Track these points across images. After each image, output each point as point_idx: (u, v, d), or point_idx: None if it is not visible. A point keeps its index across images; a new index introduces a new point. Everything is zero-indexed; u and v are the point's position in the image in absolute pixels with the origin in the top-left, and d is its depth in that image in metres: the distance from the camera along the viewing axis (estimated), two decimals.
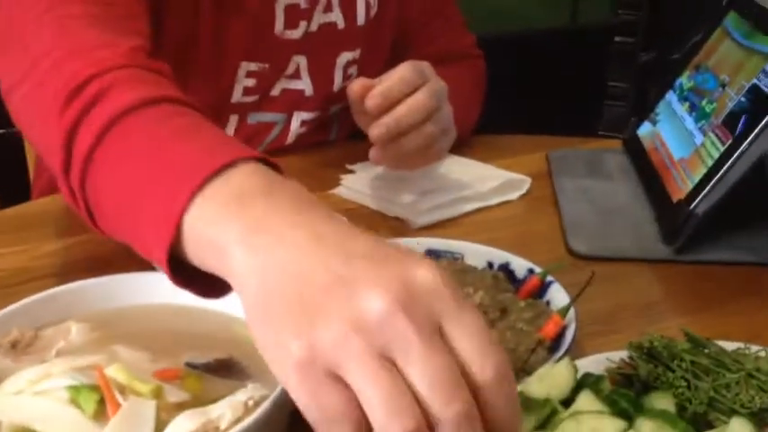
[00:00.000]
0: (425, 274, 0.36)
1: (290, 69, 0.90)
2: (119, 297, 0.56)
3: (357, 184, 0.87)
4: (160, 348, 0.52)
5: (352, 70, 0.94)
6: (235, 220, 0.40)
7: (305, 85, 0.91)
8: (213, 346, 0.52)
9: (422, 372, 0.34)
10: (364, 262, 0.36)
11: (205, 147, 0.46)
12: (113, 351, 0.51)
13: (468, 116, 0.97)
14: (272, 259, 0.38)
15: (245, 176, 0.43)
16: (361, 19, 0.91)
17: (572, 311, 0.58)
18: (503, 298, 0.60)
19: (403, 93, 0.76)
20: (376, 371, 0.34)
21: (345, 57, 0.92)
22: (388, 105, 0.75)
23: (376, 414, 0.34)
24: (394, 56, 0.96)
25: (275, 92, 0.90)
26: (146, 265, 0.64)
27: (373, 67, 0.94)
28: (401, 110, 0.75)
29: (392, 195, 0.83)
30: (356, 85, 0.77)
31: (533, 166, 0.93)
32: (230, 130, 0.89)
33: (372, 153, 0.79)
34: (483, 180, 0.86)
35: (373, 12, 0.93)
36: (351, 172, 0.90)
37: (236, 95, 0.88)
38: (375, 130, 0.76)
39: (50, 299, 0.54)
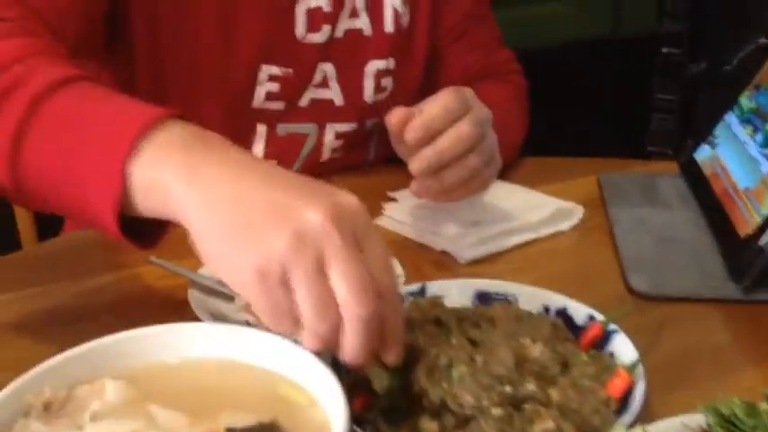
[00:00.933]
0: (350, 199, 0.48)
1: (318, 77, 0.87)
2: (155, 350, 0.53)
3: (400, 213, 0.83)
4: (199, 408, 0.49)
5: (386, 82, 0.91)
6: (177, 160, 0.48)
7: (334, 94, 0.88)
8: (256, 407, 0.49)
9: (344, 276, 0.44)
10: (297, 190, 0.47)
11: (134, 106, 0.53)
12: (150, 414, 0.48)
13: (512, 138, 0.93)
14: (217, 191, 0.47)
15: (178, 126, 0.50)
16: (389, 26, 0.89)
17: (640, 367, 0.53)
18: (563, 350, 0.55)
19: (445, 123, 0.72)
20: (312, 278, 0.44)
21: (375, 65, 0.89)
22: (430, 137, 0.72)
23: (306, 314, 0.45)
24: (429, 69, 0.93)
25: (304, 102, 0.88)
26: (182, 316, 0.61)
27: (408, 79, 0.92)
28: (443, 142, 0.71)
29: (436, 227, 0.79)
30: (395, 116, 0.73)
31: (583, 192, 0.88)
32: (260, 142, 0.87)
33: (413, 186, 0.75)
34: (532, 209, 0.82)
35: (404, 20, 0.90)
36: (393, 200, 0.87)
37: (258, 100, 0.85)
38: (416, 164, 0.72)
39: (84, 355, 0.51)
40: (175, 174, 0.48)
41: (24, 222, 1.00)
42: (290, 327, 0.47)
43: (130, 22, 0.79)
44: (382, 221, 0.83)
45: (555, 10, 1.87)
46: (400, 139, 0.73)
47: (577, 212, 0.83)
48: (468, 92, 0.75)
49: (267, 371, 0.51)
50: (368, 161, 0.98)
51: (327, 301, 0.45)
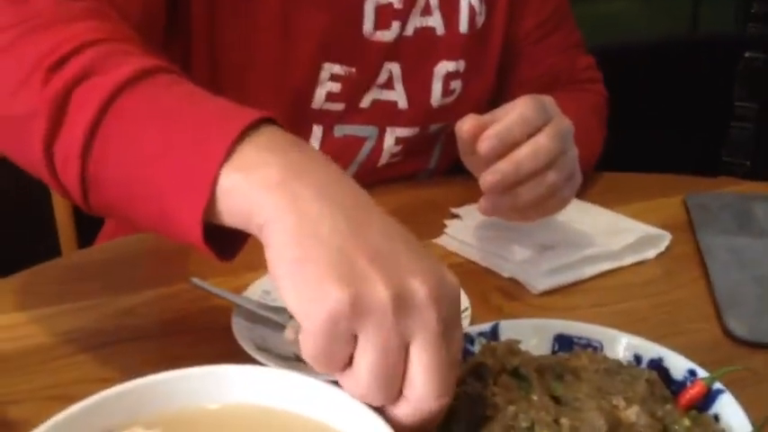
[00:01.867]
0: (454, 280, 0.41)
1: (382, 78, 0.80)
2: (193, 395, 0.47)
3: (463, 233, 0.76)
4: None
5: (455, 85, 0.83)
6: (274, 166, 0.42)
7: (398, 96, 0.81)
8: None
9: (427, 367, 0.39)
10: (403, 246, 0.40)
11: (220, 109, 0.47)
12: None
13: (591, 152, 0.85)
14: (314, 206, 0.40)
15: (271, 132, 0.44)
16: (463, 26, 0.82)
17: None
18: (662, 413, 0.47)
19: (523, 135, 0.64)
20: (390, 349, 0.39)
21: (445, 66, 0.82)
22: (505, 149, 0.64)
23: (365, 379, 0.39)
24: (502, 73, 0.86)
25: (365, 103, 0.81)
26: (225, 344, 0.55)
27: (479, 83, 0.84)
28: (520, 155, 0.63)
29: (505, 251, 0.72)
30: (467, 123, 0.65)
31: (668, 215, 0.80)
32: (314, 143, 0.80)
33: (483, 203, 0.67)
34: (614, 234, 0.73)
35: (480, 20, 0.82)
36: (456, 217, 0.79)
37: (318, 100, 0.79)
38: (489, 178, 0.64)
39: (118, 398, 0.45)
40: (275, 178, 0.41)
41: (64, 224, 0.96)
42: (334, 372, 0.41)
43: (191, 4, 0.73)
44: (443, 241, 0.76)
45: (626, 6, 1.77)
46: (470, 150, 0.65)
47: (664, 240, 0.74)
48: (548, 100, 0.68)
49: (316, 422, 0.45)
50: (429, 170, 0.91)
51: (394, 375, 0.39)
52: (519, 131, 0.63)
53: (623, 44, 1.48)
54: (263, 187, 0.41)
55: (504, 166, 0.63)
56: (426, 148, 0.88)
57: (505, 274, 0.70)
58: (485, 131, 0.63)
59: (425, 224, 0.77)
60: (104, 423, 0.45)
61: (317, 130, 0.80)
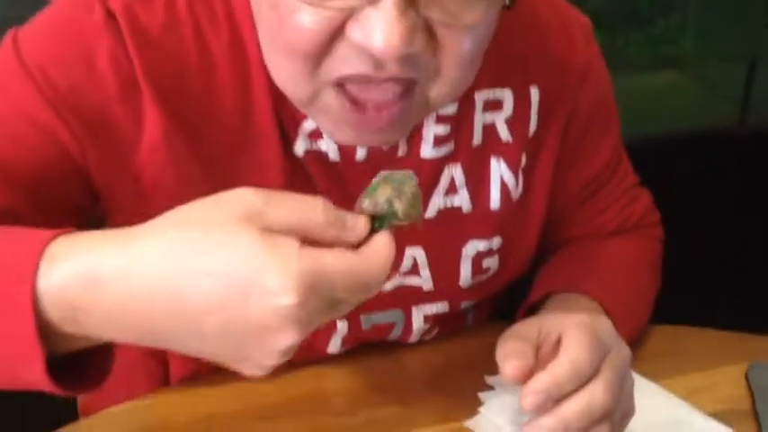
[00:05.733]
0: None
1: (406, 265, 0.71)
2: None
3: (498, 413, 0.68)
4: None
5: (490, 263, 0.74)
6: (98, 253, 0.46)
7: (423, 280, 0.72)
8: None
9: None
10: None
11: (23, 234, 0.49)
12: None
13: (641, 320, 0.77)
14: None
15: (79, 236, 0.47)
16: (495, 203, 0.71)
17: None
18: None
19: (575, 385, 0.57)
20: None
21: (475, 246, 0.72)
22: (554, 404, 0.57)
23: None
24: (545, 235, 0.77)
25: (387, 287, 0.71)
26: None
27: (518, 256, 0.75)
28: (569, 411, 0.57)
29: None
30: (509, 368, 0.58)
31: (728, 395, 0.71)
32: (337, 337, 0.72)
33: None
34: (666, 427, 0.65)
35: (515, 194, 0.72)
36: (489, 388, 0.72)
37: None
38: (532, 430, 0.58)
39: None
40: (108, 257, 0.45)
41: None
42: None
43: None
44: (476, 423, 0.68)
45: (671, 79, 1.63)
46: (512, 381, 0.59)
47: None
48: (605, 328, 0.61)
49: None
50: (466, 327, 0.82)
51: None
52: (570, 385, 0.57)
53: (667, 135, 1.37)
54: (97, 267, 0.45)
55: (550, 423, 0.57)
56: (459, 320, 0.79)
57: None
58: (531, 383, 0.57)
59: (458, 395, 0.70)
60: None
61: (342, 327, 0.71)
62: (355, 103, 0.55)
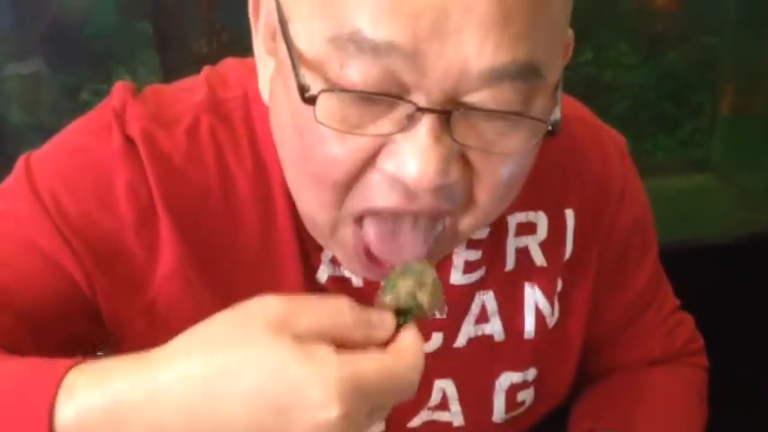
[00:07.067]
0: None
1: (435, 399, 0.66)
2: None
3: None
4: None
5: (525, 395, 0.69)
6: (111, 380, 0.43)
7: (453, 416, 0.67)
8: None
9: None
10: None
11: (39, 365, 0.46)
12: None
13: None
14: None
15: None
16: (529, 332, 0.67)
17: None
18: None
19: None
20: None
21: (509, 378, 0.68)
22: None
23: None
24: (584, 364, 0.72)
25: (415, 422, 0.67)
26: None
27: (555, 387, 0.71)
28: None
29: None
30: None
31: None
32: None
33: None
34: None
35: (551, 321, 0.68)
36: None
37: None
38: None
39: None
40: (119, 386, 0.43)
41: None
42: None
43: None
44: None
45: (702, 182, 1.56)
46: None
47: None
48: None
49: None
50: None
51: None
52: None
53: (704, 243, 1.32)
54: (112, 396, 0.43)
55: None
56: None
57: None
58: None
59: None
60: None
61: None
62: (370, 258, 0.53)
